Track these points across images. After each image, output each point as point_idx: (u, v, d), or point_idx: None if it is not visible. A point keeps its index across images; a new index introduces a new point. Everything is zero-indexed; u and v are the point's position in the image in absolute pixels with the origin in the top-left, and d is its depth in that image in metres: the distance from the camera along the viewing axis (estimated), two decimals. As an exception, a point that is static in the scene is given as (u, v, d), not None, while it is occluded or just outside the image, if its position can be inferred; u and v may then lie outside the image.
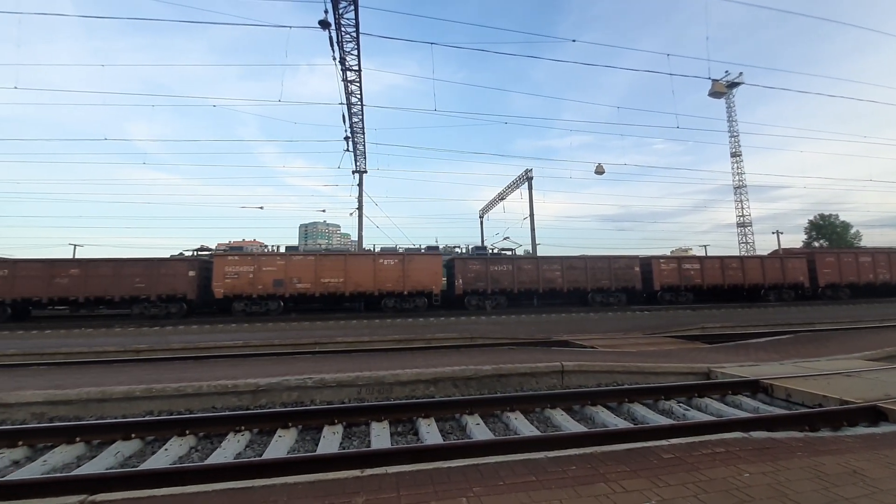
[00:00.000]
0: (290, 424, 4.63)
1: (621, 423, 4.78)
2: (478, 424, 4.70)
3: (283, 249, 22.27)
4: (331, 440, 4.37)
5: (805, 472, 2.89)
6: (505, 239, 25.83)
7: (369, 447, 4.22)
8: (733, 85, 44.86)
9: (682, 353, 8.32)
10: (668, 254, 36.25)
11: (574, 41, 21.43)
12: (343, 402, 5.64)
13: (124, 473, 3.45)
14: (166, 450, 4.19)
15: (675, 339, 11.04)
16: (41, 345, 11.11)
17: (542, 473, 2.83)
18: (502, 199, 40.21)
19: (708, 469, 2.93)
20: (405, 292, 19.91)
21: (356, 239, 27.04)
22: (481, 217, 45.55)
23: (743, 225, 46.45)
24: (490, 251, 24.15)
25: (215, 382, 5.65)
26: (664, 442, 3.45)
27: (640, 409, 5.24)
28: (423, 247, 26.56)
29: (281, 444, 4.27)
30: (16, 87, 18.39)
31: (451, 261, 22.38)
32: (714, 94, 45.07)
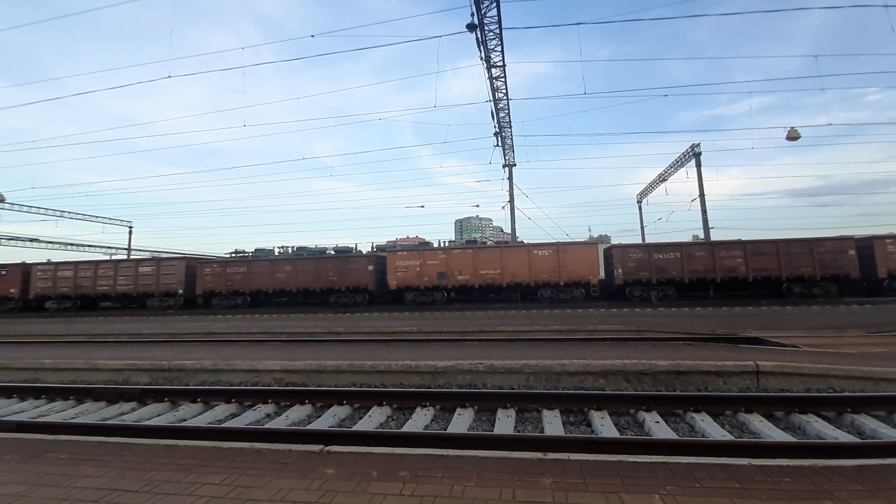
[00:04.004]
0: (467, 404, 5.07)
1: (843, 437, 4.00)
2: (657, 422, 4.46)
3: (445, 244, 23.76)
4: (505, 422, 4.66)
5: None
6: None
7: (543, 433, 4.38)
8: None
9: (934, 357, 6.46)
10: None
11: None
12: (512, 388, 5.91)
13: (347, 431, 4.27)
14: (370, 416, 5.01)
15: (921, 339, 8.61)
16: (272, 325, 14.23)
17: (747, 481, 2.58)
18: (664, 180, 36.06)
19: None
20: (561, 283, 19.58)
21: (509, 231, 27.45)
22: (639, 202, 41.62)
23: None
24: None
25: (401, 362, 6.49)
26: (916, 464, 2.81)
27: (869, 422, 4.31)
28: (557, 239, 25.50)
29: (461, 422, 4.72)
30: (244, 125, 23.60)
31: (609, 249, 21.22)
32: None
